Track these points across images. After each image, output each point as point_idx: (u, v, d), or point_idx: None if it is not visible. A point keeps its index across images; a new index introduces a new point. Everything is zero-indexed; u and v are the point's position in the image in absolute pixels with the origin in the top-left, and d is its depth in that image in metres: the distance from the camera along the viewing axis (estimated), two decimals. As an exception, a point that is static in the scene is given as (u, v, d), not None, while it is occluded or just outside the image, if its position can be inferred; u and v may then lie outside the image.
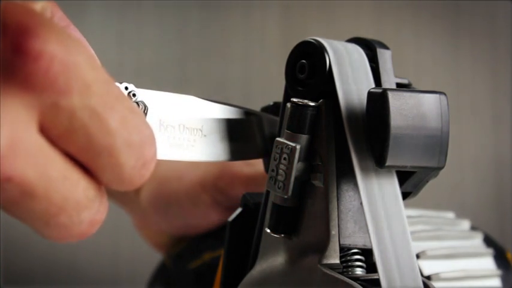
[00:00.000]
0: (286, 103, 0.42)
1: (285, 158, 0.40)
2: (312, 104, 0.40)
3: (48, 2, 0.35)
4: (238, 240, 0.46)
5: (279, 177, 0.40)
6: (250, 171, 0.55)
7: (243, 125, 0.44)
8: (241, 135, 0.44)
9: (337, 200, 0.40)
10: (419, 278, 0.38)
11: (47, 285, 0.92)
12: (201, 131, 0.42)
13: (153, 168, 0.51)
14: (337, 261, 0.40)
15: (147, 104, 0.40)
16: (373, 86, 0.41)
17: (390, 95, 0.38)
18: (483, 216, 0.96)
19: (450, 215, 0.57)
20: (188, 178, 0.58)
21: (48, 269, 0.94)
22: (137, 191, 0.61)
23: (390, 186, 0.39)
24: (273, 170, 0.40)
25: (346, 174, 0.40)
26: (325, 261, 0.40)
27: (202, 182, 0.57)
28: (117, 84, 0.38)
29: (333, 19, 0.97)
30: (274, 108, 0.46)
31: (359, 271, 0.41)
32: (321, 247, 0.40)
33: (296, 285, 0.41)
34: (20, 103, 0.30)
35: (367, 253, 0.41)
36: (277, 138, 0.40)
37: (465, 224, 0.56)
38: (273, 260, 0.42)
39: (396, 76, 0.43)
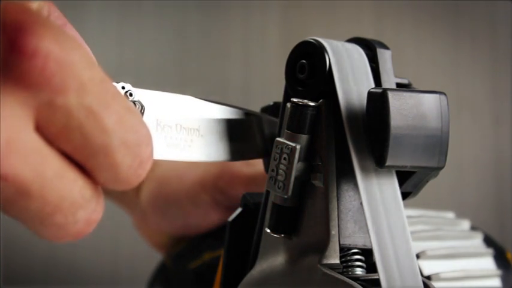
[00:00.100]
0: (286, 103, 0.42)
1: (285, 158, 0.40)
2: (312, 104, 0.40)
3: (45, 1, 0.35)
4: (238, 240, 0.46)
5: (279, 177, 0.40)
6: (250, 171, 0.55)
7: (240, 125, 0.44)
8: (239, 135, 0.44)
9: (337, 200, 0.40)
10: (420, 278, 0.38)
11: (47, 285, 0.92)
12: (198, 131, 0.42)
13: (151, 168, 0.51)
14: (337, 261, 0.40)
15: (144, 104, 0.40)
16: (373, 86, 0.41)
17: (390, 95, 0.38)
18: (483, 216, 0.96)
19: (450, 215, 0.57)
20: (188, 178, 0.58)
21: (48, 269, 0.94)
22: (137, 191, 0.61)
23: (390, 186, 0.39)
24: (273, 170, 0.40)
25: (346, 174, 0.40)
26: (325, 261, 0.40)
27: (202, 182, 0.57)
28: (114, 83, 0.37)
29: (333, 19, 0.97)
30: (274, 108, 0.46)
31: (359, 271, 0.41)
32: (321, 247, 0.40)
33: (296, 285, 0.41)
34: (16, 101, 0.29)
35: (367, 253, 0.41)
36: (277, 138, 0.40)
37: (465, 224, 0.56)
38: (273, 260, 0.42)
39: (396, 76, 0.43)
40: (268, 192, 0.43)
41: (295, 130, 0.40)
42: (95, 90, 0.31)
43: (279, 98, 0.43)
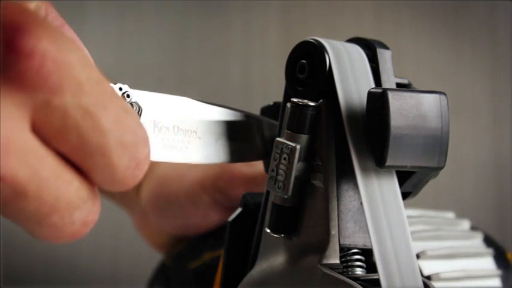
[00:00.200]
0: (286, 103, 0.41)
1: (285, 158, 0.40)
2: (312, 104, 0.40)
3: (43, 2, 0.35)
4: (238, 240, 0.46)
5: (279, 177, 0.40)
6: (250, 171, 0.55)
7: (238, 127, 0.44)
8: (236, 137, 0.44)
9: (337, 200, 0.40)
10: (420, 278, 0.38)
11: (47, 285, 0.92)
12: (196, 132, 0.42)
13: (151, 167, 0.51)
14: (337, 261, 0.40)
15: (141, 105, 0.40)
16: (373, 86, 0.41)
17: (390, 95, 0.38)
18: (483, 216, 0.96)
19: (450, 215, 0.57)
20: (188, 178, 0.58)
21: (48, 269, 0.94)
22: (137, 191, 0.61)
23: (390, 186, 0.39)
24: (273, 170, 0.40)
25: (346, 174, 0.40)
26: (325, 261, 0.40)
27: (202, 182, 0.57)
28: (111, 84, 0.37)
29: (333, 19, 0.97)
30: (274, 108, 0.46)
31: (359, 271, 0.41)
32: (321, 247, 0.40)
33: (296, 285, 0.41)
34: (13, 102, 0.29)
35: (367, 253, 0.41)
36: (277, 138, 0.40)
37: (465, 224, 0.56)
38: (273, 260, 0.42)
39: (396, 76, 0.43)
40: (268, 192, 0.43)
41: (295, 130, 0.40)
42: (92, 91, 0.31)
43: (279, 98, 0.43)
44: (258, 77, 0.95)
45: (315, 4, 0.96)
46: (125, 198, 0.64)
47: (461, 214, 0.59)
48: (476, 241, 0.54)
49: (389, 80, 0.42)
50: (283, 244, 0.42)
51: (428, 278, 0.50)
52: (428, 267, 0.50)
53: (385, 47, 0.43)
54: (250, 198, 0.46)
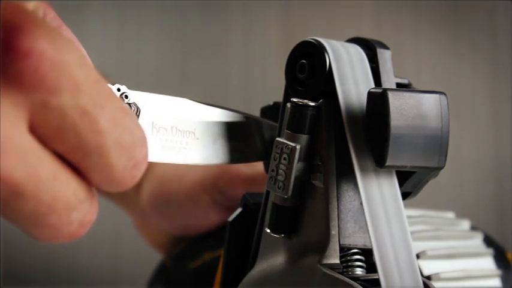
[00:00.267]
0: (286, 103, 0.42)
1: (285, 158, 0.40)
2: (312, 104, 0.40)
3: (41, 2, 0.35)
4: (238, 240, 0.46)
5: (279, 177, 0.40)
6: (250, 171, 0.55)
7: (237, 128, 0.44)
8: (235, 138, 0.43)
9: (337, 200, 0.40)
10: (419, 278, 0.38)
11: (47, 285, 0.92)
12: (194, 133, 0.42)
13: (151, 168, 0.51)
14: (337, 261, 0.40)
15: (139, 106, 0.39)
16: (373, 86, 0.41)
17: (390, 95, 0.38)
18: (483, 216, 0.96)
19: (450, 215, 0.57)
20: (188, 178, 0.58)
21: (48, 269, 0.94)
22: (137, 191, 0.61)
23: (390, 186, 0.39)
24: (273, 170, 0.40)
25: (346, 174, 0.40)
26: (325, 261, 0.40)
27: (202, 182, 0.57)
28: (110, 85, 0.37)
29: (333, 19, 0.97)
30: (274, 108, 0.46)
31: (359, 271, 0.41)
32: (321, 247, 0.40)
33: (296, 285, 0.41)
34: (10, 101, 0.29)
35: (367, 253, 0.41)
36: (277, 138, 0.40)
37: (465, 224, 0.56)
38: (273, 260, 0.42)
39: (396, 76, 0.43)
40: (268, 192, 0.43)
41: (295, 130, 0.40)
42: (90, 91, 0.30)
43: (279, 98, 0.43)
44: (258, 77, 0.95)
45: (315, 4, 0.96)
46: (124, 198, 0.64)
47: (461, 214, 0.59)
48: (476, 241, 0.54)
49: (389, 80, 0.42)
50: (283, 244, 0.42)
51: (428, 278, 0.50)
52: (428, 267, 0.50)
53: (385, 47, 0.43)
54: (250, 198, 0.46)
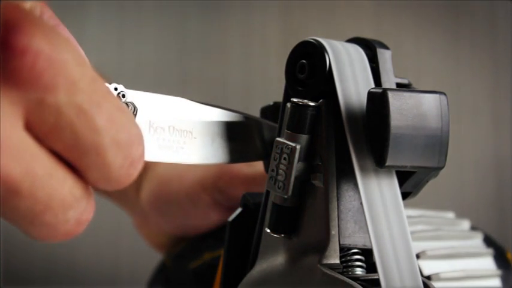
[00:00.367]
0: (286, 103, 0.41)
1: (285, 158, 0.40)
2: (312, 104, 0.40)
3: (38, 2, 0.35)
4: (238, 240, 0.46)
5: (279, 177, 0.40)
6: (250, 171, 0.55)
7: (235, 127, 0.44)
8: (233, 138, 0.43)
9: (337, 200, 0.40)
10: (419, 278, 0.38)
11: (47, 285, 0.92)
12: (191, 133, 0.42)
13: (151, 167, 0.51)
14: (337, 261, 0.40)
15: (136, 105, 0.39)
16: (373, 86, 0.41)
17: (390, 95, 0.38)
18: (483, 216, 0.96)
19: (450, 215, 0.57)
20: (188, 178, 0.58)
21: (48, 269, 0.94)
22: (137, 191, 0.61)
23: (390, 186, 0.39)
24: (273, 170, 0.40)
25: (346, 174, 0.40)
26: (325, 261, 0.40)
27: (202, 182, 0.57)
28: (107, 84, 0.37)
29: (333, 19, 0.97)
30: (274, 108, 0.46)
31: (359, 271, 0.41)
32: (321, 247, 0.40)
33: (296, 285, 0.41)
34: (6, 99, 0.29)
35: (367, 253, 0.41)
36: (277, 138, 0.40)
37: (465, 224, 0.56)
38: (273, 260, 0.42)
39: (396, 76, 0.43)
40: (268, 192, 0.43)
41: (295, 130, 0.40)
42: (86, 89, 0.30)
43: (279, 98, 0.43)
44: (258, 77, 0.95)
45: (315, 4, 0.96)
46: (124, 198, 0.64)
47: (461, 214, 0.59)
48: (476, 241, 0.54)
49: (389, 80, 0.42)
50: (283, 244, 0.42)
51: (428, 278, 0.50)
52: (428, 267, 0.50)
53: (385, 47, 0.43)
54: (250, 198, 0.46)
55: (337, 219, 0.40)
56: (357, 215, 0.41)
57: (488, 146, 0.98)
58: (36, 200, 0.30)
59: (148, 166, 0.61)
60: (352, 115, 0.39)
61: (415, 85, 0.43)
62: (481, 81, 0.98)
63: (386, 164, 0.38)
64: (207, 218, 0.58)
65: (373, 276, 0.40)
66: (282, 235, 0.41)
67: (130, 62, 0.95)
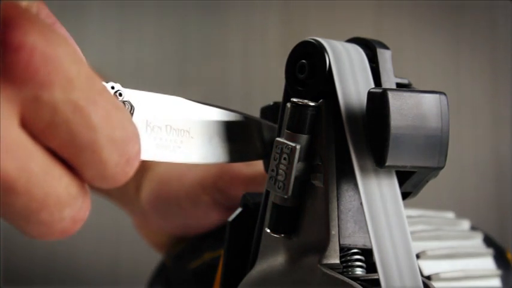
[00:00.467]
0: (286, 103, 0.41)
1: (285, 158, 0.40)
2: (312, 104, 0.40)
3: (35, 1, 0.34)
4: (238, 240, 0.46)
5: (279, 177, 0.40)
6: (250, 171, 0.55)
7: (233, 127, 0.44)
8: (231, 137, 0.43)
9: (337, 200, 0.40)
10: (419, 278, 0.38)
11: (47, 285, 0.92)
12: (189, 132, 0.41)
13: (151, 167, 0.51)
14: (337, 261, 0.40)
15: (133, 104, 0.39)
16: (373, 86, 0.41)
17: (390, 95, 0.38)
18: (483, 216, 0.96)
19: (450, 215, 0.57)
20: (188, 178, 0.58)
21: (48, 269, 0.94)
22: (137, 191, 0.61)
23: (390, 186, 0.39)
24: (273, 170, 0.40)
25: (346, 174, 0.40)
26: (325, 261, 0.40)
27: (202, 182, 0.57)
28: (104, 83, 0.37)
29: (333, 19, 0.97)
30: (274, 108, 0.46)
31: (359, 271, 0.41)
32: (321, 247, 0.40)
33: (296, 285, 0.41)
34: (1, 96, 0.29)
35: (367, 253, 0.41)
36: (277, 138, 0.40)
37: (465, 224, 0.56)
38: (273, 260, 0.42)
39: (396, 76, 0.43)
40: (268, 192, 0.43)
41: (295, 130, 0.40)
42: (82, 86, 0.30)
43: (279, 98, 0.43)
44: (258, 77, 0.95)
45: (315, 4, 0.96)
46: (124, 198, 0.64)
47: (461, 214, 0.59)
48: (476, 241, 0.54)
49: (389, 80, 0.42)
50: (283, 244, 0.42)
51: (428, 278, 0.50)
52: (428, 267, 0.50)
53: (385, 47, 0.43)
54: (250, 198, 0.46)
55: (337, 219, 0.40)
56: (357, 215, 0.41)
57: (488, 146, 0.98)
58: (31, 197, 0.30)
59: (148, 166, 0.61)
60: (352, 115, 0.39)
61: (415, 85, 0.43)
62: (481, 81, 0.98)
63: (386, 164, 0.38)
64: (207, 218, 0.58)
65: (373, 276, 0.40)
66: (282, 235, 0.41)
67: (130, 62, 0.95)
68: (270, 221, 0.42)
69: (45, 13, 0.35)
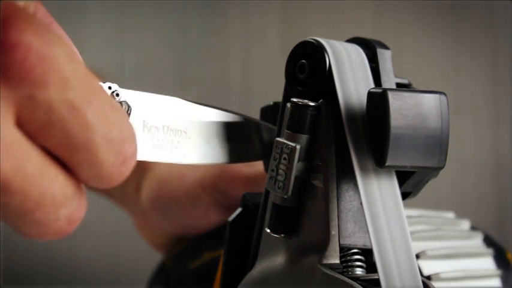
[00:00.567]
0: (286, 103, 0.41)
1: (285, 158, 0.40)
2: (312, 104, 0.40)
3: (32, 1, 0.34)
4: (238, 240, 0.46)
5: (279, 177, 0.40)
6: (250, 171, 0.55)
7: (231, 128, 0.43)
8: (229, 138, 0.43)
9: (337, 200, 0.40)
10: (419, 278, 0.38)
11: (47, 285, 0.92)
12: (186, 133, 0.41)
13: (151, 167, 0.51)
14: (337, 261, 0.40)
15: (130, 105, 0.39)
16: (373, 86, 0.41)
17: (390, 95, 0.38)
18: (483, 216, 0.96)
19: (450, 215, 0.57)
20: (188, 178, 0.58)
21: (48, 269, 0.94)
22: (137, 191, 0.61)
23: (390, 186, 0.39)
24: (273, 170, 0.40)
25: (346, 174, 0.40)
26: (325, 261, 0.40)
27: (202, 182, 0.57)
28: (100, 82, 0.37)
29: (333, 19, 0.97)
30: (274, 108, 0.46)
31: (359, 271, 0.41)
32: (321, 247, 0.40)
33: (296, 285, 0.41)
34: None
35: (367, 253, 0.41)
36: (277, 138, 0.40)
37: (465, 224, 0.56)
38: (273, 260, 0.42)
39: (396, 76, 0.43)
40: (268, 192, 0.43)
41: (295, 130, 0.40)
42: (77, 85, 0.30)
43: (279, 98, 0.43)
44: (258, 77, 0.95)
45: (315, 4, 0.96)
46: (125, 198, 0.64)
47: (461, 214, 0.59)
48: (476, 241, 0.54)
49: (389, 80, 0.42)
50: (283, 244, 0.42)
51: (428, 278, 0.50)
52: (428, 267, 0.50)
53: (385, 47, 0.43)
54: (250, 198, 0.46)
55: (337, 219, 0.40)
56: (357, 215, 0.41)
57: (488, 146, 0.98)
58: (26, 197, 0.30)
59: (148, 166, 0.61)
60: (352, 115, 0.39)
61: (415, 85, 0.43)
62: (481, 81, 0.98)
63: (386, 164, 0.38)
64: (207, 218, 0.58)
65: (373, 276, 0.40)
66: (282, 235, 0.41)
67: (131, 62, 0.95)
68: (270, 221, 0.42)
69: (42, 13, 0.35)
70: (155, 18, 0.96)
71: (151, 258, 0.66)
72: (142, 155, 0.39)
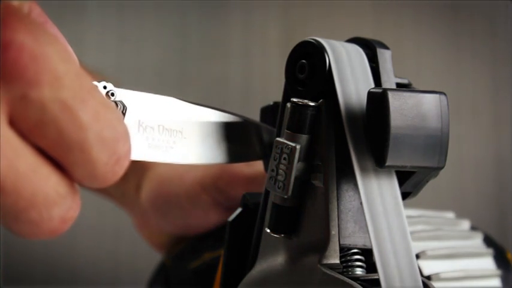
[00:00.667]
0: (286, 103, 0.41)
1: (285, 158, 0.40)
2: (312, 104, 0.40)
3: (28, 0, 0.34)
4: (238, 240, 0.46)
5: (279, 177, 0.40)
6: (250, 171, 0.55)
7: (227, 128, 0.43)
8: (225, 138, 0.43)
9: (337, 200, 0.40)
10: (419, 278, 0.38)
11: (47, 285, 0.92)
12: (181, 133, 0.41)
13: (149, 168, 0.50)
14: (337, 261, 0.40)
15: (126, 104, 0.39)
16: (373, 86, 0.41)
17: (390, 95, 0.38)
18: (483, 216, 0.96)
19: (450, 215, 0.57)
20: (188, 178, 0.58)
21: (48, 269, 0.94)
22: (137, 191, 0.61)
23: (390, 186, 0.39)
24: (272, 170, 0.40)
25: (346, 174, 0.40)
26: (325, 261, 0.40)
27: (202, 182, 0.57)
28: (95, 82, 0.37)
29: (333, 19, 0.97)
30: (274, 108, 0.46)
31: (359, 271, 0.41)
32: (321, 247, 0.40)
33: (296, 285, 0.41)
34: None
35: (367, 253, 0.41)
36: (277, 138, 0.40)
37: (465, 224, 0.56)
38: (273, 260, 0.42)
39: (396, 76, 0.43)
40: (268, 192, 0.43)
41: (295, 130, 0.40)
42: (70, 84, 0.30)
43: (279, 98, 0.43)
44: (258, 77, 0.95)
45: (315, 4, 0.96)
46: (124, 198, 0.64)
47: (461, 214, 0.59)
48: (476, 241, 0.54)
49: (389, 80, 0.42)
50: (283, 244, 0.42)
51: (428, 278, 0.50)
52: (428, 267, 0.50)
53: (385, 47, 0.43)
54: (250, 198, 0.46)
55: (337, 219, 0.40)
56: (357, 215, 0.41)
57: (488, 146, 0.98)
58: (19, 196, 0.30)
59: (148, 166, 0.61)
60: (352, 115, 0.39)
61: (415, 85, 0.43)
62: (481, 81, 0.98)
63: (386, 164, 0.38)
64: (207, 218, 0.58)
65: (373, 276, 0.40)
66: (282, 235, 0.41)
67: (131, 62, 0.95)
68: (269, 221, 0.42)
69: (36, 12, 0.35)
70: (155, 18, 0.96)
71: (151, 258, 0.66)
72: (137, 155, 0.39)
